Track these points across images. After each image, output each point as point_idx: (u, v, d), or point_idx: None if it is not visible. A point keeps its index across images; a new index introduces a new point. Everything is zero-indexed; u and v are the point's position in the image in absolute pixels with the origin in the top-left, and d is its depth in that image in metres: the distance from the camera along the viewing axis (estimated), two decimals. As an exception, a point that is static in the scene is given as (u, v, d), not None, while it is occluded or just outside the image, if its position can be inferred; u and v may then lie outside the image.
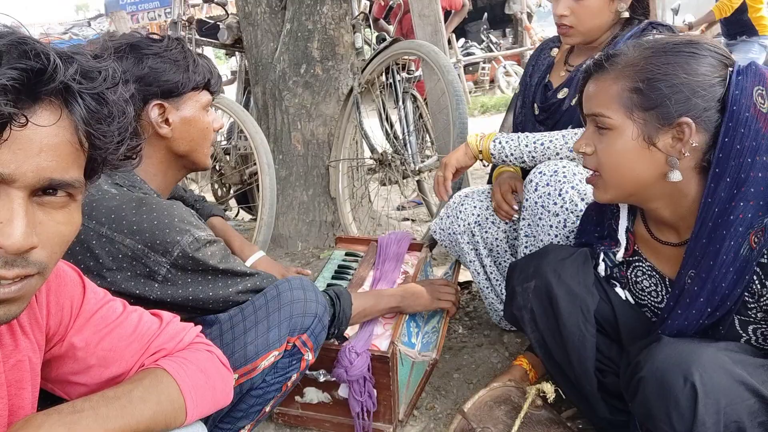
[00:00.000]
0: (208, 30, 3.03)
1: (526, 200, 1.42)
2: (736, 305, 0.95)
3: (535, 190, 1.38)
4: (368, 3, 2.46)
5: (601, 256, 1.17)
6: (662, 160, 0.96)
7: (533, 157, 1.44)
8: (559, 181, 1.35)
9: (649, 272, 1.13)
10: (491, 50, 10.02)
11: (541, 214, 1.38)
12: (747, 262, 0.91)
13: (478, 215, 1.69)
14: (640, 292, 1.16)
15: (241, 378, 1.03)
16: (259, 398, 1.07)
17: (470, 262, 1.74)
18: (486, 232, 1.69)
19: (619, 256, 1.14)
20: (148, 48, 1.10)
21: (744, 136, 0.91)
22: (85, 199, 1.06)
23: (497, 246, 1.70)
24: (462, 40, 10.92)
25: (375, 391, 1.38)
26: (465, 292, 2.10)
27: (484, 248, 1.71)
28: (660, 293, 1.12)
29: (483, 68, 10.06)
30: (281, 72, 2.59)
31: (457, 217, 1.71)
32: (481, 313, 1.97)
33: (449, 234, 1.75)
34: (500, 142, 1.47)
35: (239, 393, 1.04)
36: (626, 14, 1.41)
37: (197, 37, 2.62)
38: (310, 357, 1.11)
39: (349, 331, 1.43)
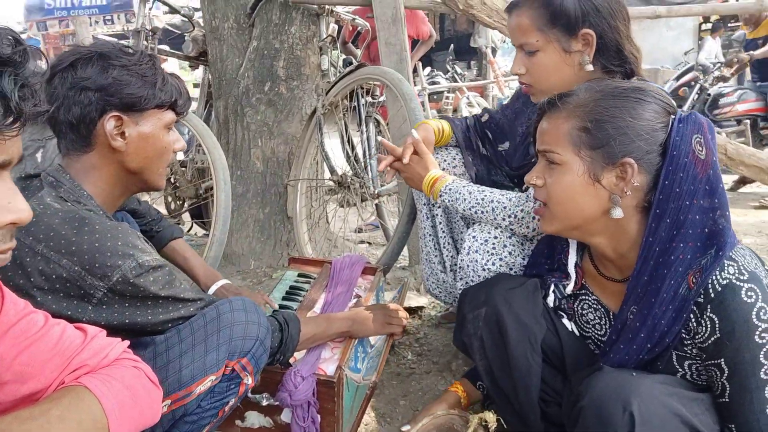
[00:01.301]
0: (172, 41, 2.99)
1: (461, 259, 1.40)
2: (674, 341, 0.98)
3: (468, 253, 1.39)
4: (336, 27, 2.48)
5: (552, 287, 1.19)
6: (606, 197, 1.00)
7: (475, 215, 1.42)
8: (488, 251, 1.36)
9: (595, 305, 1.16)
10: (456, 81, 10.26)
11: (471, 277, 1.38)
12: (685, 301, 0.95)
13: (443, 169, 1.65)
14: (585, 325, 1.19)
15: (174, 404, 0.98)
16: (194, 424, 1.03)
17: (421, 216, 1.72)
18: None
19: (569, 288, 1.17)
20: (117, 59, 1.07)
21: (683, 180, 0.95)
22: None
23: None
24: (428, 69, 11.16)
25: (319, 416, 1.35)
26: (415, 318, 2.10)
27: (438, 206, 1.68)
28: (604, 326, 1.15)
29: (447, 97, 10.28)
30: (245, 88, 2.57)
31: None
32: (431, 340, 1.97)
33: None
34: (447, 200, 1.45)
35: (172, 419, 1.00)
36: (590, 67, 1.27)
37: (160, 47, 2.57)
38: (249, 381, 1.08)
39: (297, 355, 1.40)
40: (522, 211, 1.35)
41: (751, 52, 4.41)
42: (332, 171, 2.27)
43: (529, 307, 1.15)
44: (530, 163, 1.49)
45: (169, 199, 2.74)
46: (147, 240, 1.11)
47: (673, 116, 0.99)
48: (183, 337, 1.03)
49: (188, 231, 3.35)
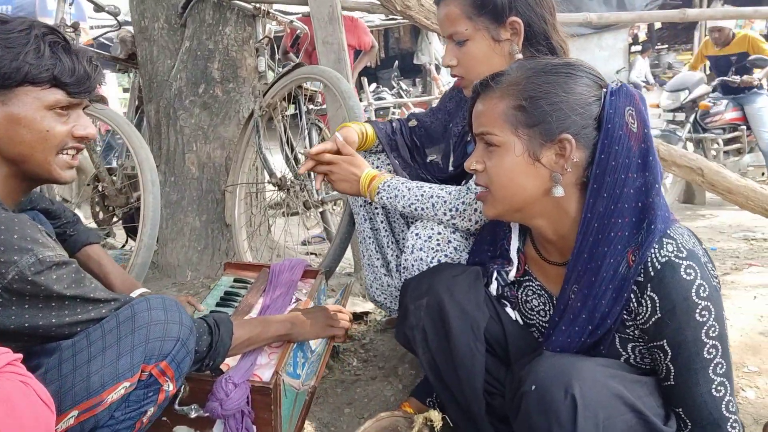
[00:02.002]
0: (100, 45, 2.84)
1: (405, 259, 1.34)
2: (616, 323, 0.96)
3: (411, 252, 1.33)
4: (273, 28, 2.41)
5: (494, 274, 1.15)
6: (546, 175, 0.97)
7: (415, 212, 1.36)
8: (433, 248, 1.31)
9: (538, 291, 1.13)
10: (401, 96, 10.37)
11: (416, 274, 1.32)
12: (625, 280, 0.92)
13: (378, 168, 1.58)
14: (529, 311, 1.16)
15: (82, 415, 0.87)
16: (107, 437, 0.91)
17: (359, 218, 1.64)
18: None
19: (512, 275, 1.14)
20: None
21: (618, 153, 0.94)
22: None
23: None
24: (374, 85, 11.25)
25: (254, 427, 1.25)
26: (360, 323, 2.03)
27: (379, 205, 1.60)
28: (548, 312, 1.12)
29: (393, 113, 10.37)
30: (177, 90, 2.45)
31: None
32: (376, 345, 1.90)
33: None
34: (386, 197, 1.38)
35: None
36: (519, 56, 1.27)
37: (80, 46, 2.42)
38: (170, 387, 0.97)
39: (230, 362, 1.30)
40: (463, 203, 1.31)
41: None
42: (271, 173, 2.19)
43: (471, 295, 1.10)
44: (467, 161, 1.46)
45: (97, 209, 2.57)
46: (50, 234, 0.99)
47: (604, 89, 0.98)
48: (92, 340, 0.92)
49: (123, 246, 3.15)
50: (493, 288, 1.15)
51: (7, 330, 0.88)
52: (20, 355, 0.75)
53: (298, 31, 2.64)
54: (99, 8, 2.43)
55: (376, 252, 1.67)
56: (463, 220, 1.31)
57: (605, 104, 0.95)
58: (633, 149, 0.94)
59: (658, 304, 0.90)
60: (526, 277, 1.14)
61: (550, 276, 1.10)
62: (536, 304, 1.13)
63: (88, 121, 1.08)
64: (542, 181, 0.97)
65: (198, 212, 2.49)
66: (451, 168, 1.51)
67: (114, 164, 2.84)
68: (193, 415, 1.22)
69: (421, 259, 1.30)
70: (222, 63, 2.45)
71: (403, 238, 1.66)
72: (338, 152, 1.43)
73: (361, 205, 1.65)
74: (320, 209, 3.14)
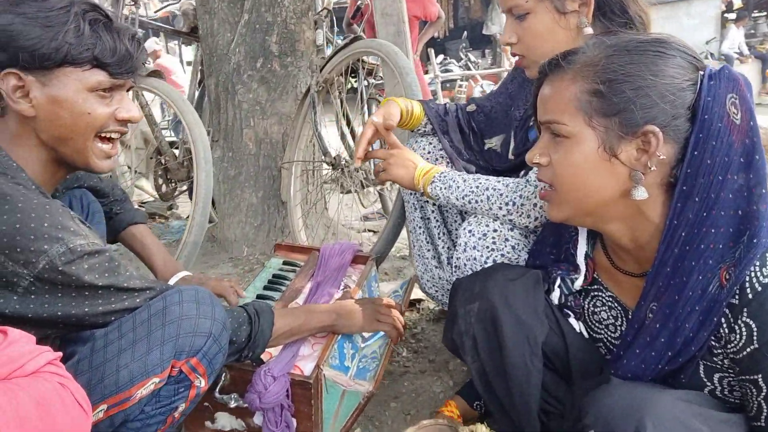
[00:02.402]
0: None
1: (457, 257, 1.23)
2: (701, 351, 0.82)
3: (464, 250, 1.22)
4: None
5: (558, 281, 1.03)
6: (625, 174, 0.83)
7: (469, 205, 1.25)
8: (488, 247, 1.19)
9: (609, 303, 1.00)
10: (469, 69, 10.05)
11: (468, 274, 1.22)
12: (715, 303, 0.78)
13: (429, 153, 1.49)
14: (597, 325, 1.03)
15: (112, 409, 0.84)
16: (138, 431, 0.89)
17: (409, 206, 1.54)
18: None
19: (578, 283, 1.01)
20: (20, 5, 0.91)
21: (715, 149, 0.78)
22: None
23: None
24: (441, 57, 10.95)
25: (294, 420, 1.21)
26: (413, 311, 1.95)
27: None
28: (619, 328, 0.99)
29: (460, 85, 10.08)
30: (236, 65, 2.42)
31: (412, 146, 1.51)
32: (429, 335, 1.81)
33: None
34: (440, 188, 1.28)
35: (110, 426, 0.86)
36: (589, 30, 1.11)
37: (143, 18, 2.43)
38: (202, 384, 0.93)
39: (273, 351, 1.26)
40: (521, 197, 1.18)
41: None
42: (325, 152, 2.12)
43: (529, 303, 0.99)
44: (528, 149, 1.32)
45: (160, 181, 2.61)
46: (84, 221, 0.96)
47: (701, 72, 0.82)
48: (123, 332, 0.89)
49: (188, 217, 3.23)
50: (555, 296, 1.03)
51: (40, 318, 0.86)
52: (60, 354, 0.73)
53: (359, 2, 2.53)
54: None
55: (427, 243, 1.57)
56: (520, 216, 1.18)
57: (702, 90, 0.79)
58: (735, 145, 0.78)
59: (755, 333, 0.76)
60: (595, 286, 1.01)
61: (624, 287, 0.97)
62: (605, 318, 1.00)
63: (132, 103, 1.04)
64: (620, 180, 0.83)
65: (255, 188, 2.48)
66: (510, 156, 1.37)
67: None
68: (232, 404, 1.20)
69: (475, 259, 1.19)
70: (280, 36, 2.39)
71: (456, 229, 1.55)
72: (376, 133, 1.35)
73: (411, 193, 1.55)
74: (378, 187, 3.07)
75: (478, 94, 9.25)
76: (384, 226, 1.90)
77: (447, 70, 10.35)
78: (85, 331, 0.95)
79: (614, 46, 0.84)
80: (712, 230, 0.79)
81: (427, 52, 8.89)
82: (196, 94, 2.79)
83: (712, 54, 10.00)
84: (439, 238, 1.55)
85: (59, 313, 0.88)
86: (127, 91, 1.06)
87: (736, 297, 0.77)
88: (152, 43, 6.12)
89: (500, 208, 1.19)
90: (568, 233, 1.06)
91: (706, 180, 0.78)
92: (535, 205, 1.16)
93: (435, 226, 1.55)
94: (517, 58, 1.24)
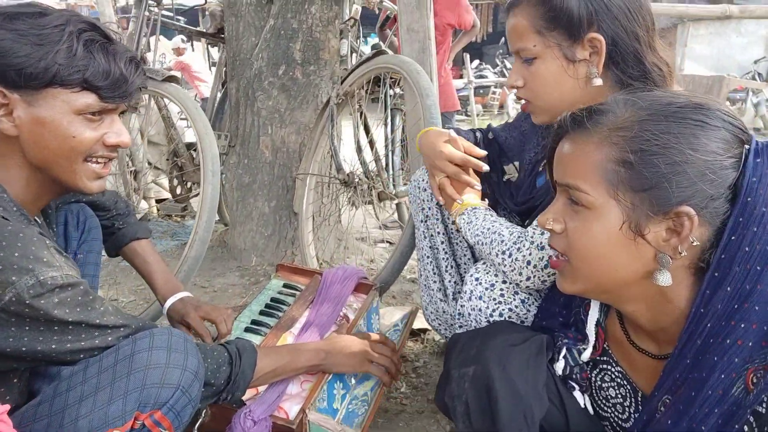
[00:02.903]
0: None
1: (461, 305, 1.16)
2: None
3: (469, 299, 1.13)
4: (359, 8, 2.24)
5: (563, 351, 0.93)
6: (650, 255, 0.73)
7: (476, 246, 1.18)
8: (495, 299, 1.10)
9: (619, 380, 0.90)
10: (505, 75, 9.86)
11: (474, 326, 1.13)
12: (739, 407, 0.68)
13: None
14: (604, 402, 0.93)
15: None
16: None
17: (419, 234, 1.46)
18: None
19: (586, 355, 0.91)
20: (15, 20, 0.86)
21: (756, 236, 0.68)
22: None
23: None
24: (476, 62, 10.79)
25: (275, 466, 1.14)
26: (417, 342, 1.86)
27: (440, 223, 1.42)
28: (627, 409, 0.89)
29: (494, 92, 9.92)
30: (257, 70, 2.36)
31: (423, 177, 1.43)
32: (431, 370, 1.73)
33: (414, 187, 1.46)
34: (465, 221, 1.22)
35: None
36: (598, 81, 1.03)
37: (167, 20, 2.39)
38: (166, 439, 0.87)
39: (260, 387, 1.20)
40: (519, 251, 1.08)
41: None
42: (339, 168, 2.05)
43: (529, 375, 0.89)
44: (535, 197, 1.22)
45: (175, 183, 2.58)
46: (61, 251, 0.91)
47: (746, 146, 0.71)
48: (88, 376, 0.83)
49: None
50: (560, 367, 0.93)
51: (4, 352, 0.81)
52: (7, 407, 0.67)
53: (389, 11, 2.45)
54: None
55: (434, 274, 1.48)
56: (513, 271, 1.09)
57: (747, 169, 0.69)
58: None
59: None
60: (605, 358, 0.91)
61: (638, 366, 0.87)
62: (613, 395, 0.90)
63: (122, 127, 0.98)
64: (643, 261, 0.74)
65: (268, 197, 2.43)
66: (514, 204, 1.28)
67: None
68: (211, 446, 1.14)
69: (480, 310, 1.10)
70: (304, 44, 2.32)
71: (465, 263, 1.46)
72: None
73: (421, 221, 1.46)
74: (395, 201, 2.99)
75: (511, 101, 9.06)
76: (391, 254, 1.82)
77: (481, 76, 10.19)
78: (53, 366, 0.90)
79: (649, 110, 0.74)
80: (742, 325, 0.69)
81: (463, 56, 8.76)
82: (218, 96, 2.75)
83: (760, 74, 9.60)
84: (447, 271, 1.46)
85: (24, 348, 0.83)
86: (121, 114, 1.01)
87: (764, 405, 0.67)
88: (178, 41, 6.17)
89: (497, 256, 1.11)
90: (580, 296, 0.96)
91: (742, 269, 0.68)
92: (528, 263, 1.06)
93: (443, 258, 1.46)
94: (523, 101, 1.16)
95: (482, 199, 1.29)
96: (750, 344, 0.68)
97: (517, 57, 1.11)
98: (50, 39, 0.87)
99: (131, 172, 2.54)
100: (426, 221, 1.45)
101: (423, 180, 1.43)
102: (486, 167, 1.25)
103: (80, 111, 0.91)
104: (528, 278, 1.07)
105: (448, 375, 0.99)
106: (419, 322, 1.91)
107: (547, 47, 1.05)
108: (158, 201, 3.29)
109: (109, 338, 0.89)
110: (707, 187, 0.69)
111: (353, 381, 1.34)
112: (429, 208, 1.43)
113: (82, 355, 0.87)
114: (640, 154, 0.72)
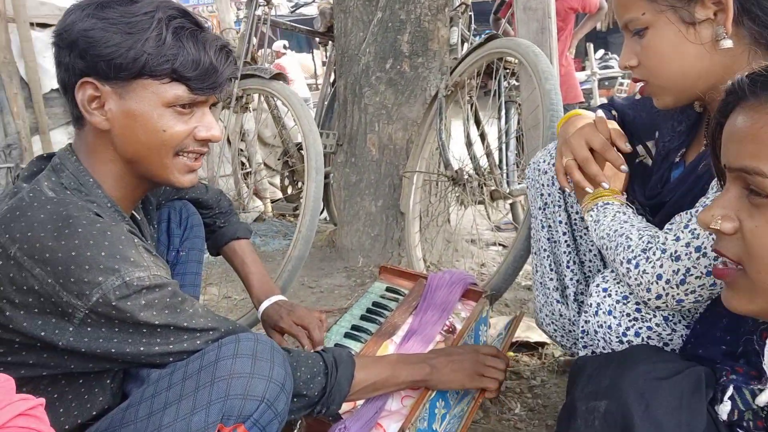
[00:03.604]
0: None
1: (585, 320, 0.97)
2: None
3: (595, 314, 0.95)
4: (470, -7, 2.09)
5: (730, 390, 0.72)
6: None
7: (602, 249, 1.00)
8: (629, 315, 0.90)
9: (809, 432, 0.67)
10: (633, 65, 9.07)
11: (601, 349, 0.94)
12: None
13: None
14: (787, 459, 0.70)
15: None
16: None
17: (536, 223, 1.29)
18: (570, 195, 1.21)
19: (764, 398, 0.69)
20: (107, 8, 0.83)
21: None
22: (12, 203, 0.83)
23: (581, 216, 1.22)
24: (601, 51, 10.03)
25: (370, 487, 1.04)
26: (534, 357, 1.67)
27: (562, 210, 1.23)
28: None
29: (621, 83, 9.14)
30: (365, 66, 2.31)
31: (550, 153, 1.25)
32: (548, 390, 1.53)
33: (533, 169, 1.28)
34: (593, 218, 1.04)
35: None
36: (728, 43, 0.85)
37: (276, 18, 2.41)
38: (251, 454, 0.80)
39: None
40: (648, 260, 0.87)
41: None
42: (447, 165, 1.91)
43: (682, 417, 0.70)
44: (664, 193, 0.99)
45: (286, 182, 2.62)
46: (150, 250, 0.88)
47: None
48: (173, 382, 0.79)
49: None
50: (725, 410, 0.72)
51: (95, 353, 0.79)
52: (42, 401, 0.63)
53: (504, -5, 2.27)
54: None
55: (551, 270, 1.28)
56: (639, 285, 0.88)
57: None
58: None
59: None
60: (791, 403, 0.69)
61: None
62: (804, 454, 0.68)
63: (213, 121, 0.93)
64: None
65: (375, 197, 2.36)
66: (644, 197, 1.05)
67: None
68: (304, 457, 1.07)
69: (610, 327, 0.91)
70: (412, 35, 2.22)
71: (590, 260, 1.25)
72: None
73: (539, 208, 1.27)
74: (510, 201, 2.78)
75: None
76: (505, 257, 1.65)
77: (606, 66, 9.45)
78: (144, 368, 0.87)
79: None
80: None
81: (586, 46, 8.16)
82: (328, 95, 2.75)
83: None
84: (568, 267, 1.26)
85: (113, 350, 0.80)
86: (212, 107, 0.96)
87: None
88: (280, 45, 6.43)
89: (621, 264, 0.91)
90: (753, 319, 0.74)
91: None
92: (659, 277, 0.84)
93: (564, 252, 1.26)
94: (640, 84, 0.95)
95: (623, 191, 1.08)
96: None
97: (627, 32, 0.94)
98: (140, 27, 0.83)
99: (245, 174, 2.60)
100: (545, 209, 1.26)
101: (544, 161, 1.24)
102: (629, 149, 1.03)
103: (170, 103, 0.87)
104: (658, 296, 0.86)
105: (573, 408, 0.81)
106: (536, 334, 1.72)
107: (659, 12, 0.88)
108: (273, 201, 3.38)
109: (198, 341, 0.84)
110: None
111: (454, 401, 1.20)
112: (549, 194, 1.24)
113: (171, 359, 0.83)
114: None
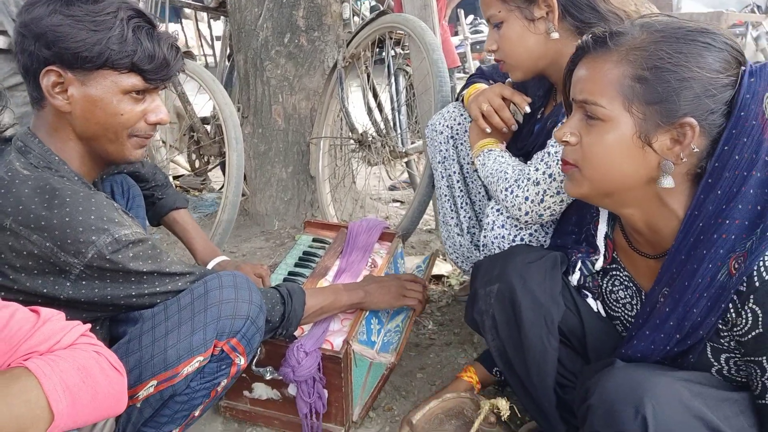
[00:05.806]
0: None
1: (484, 236, 1.31)
2: (708, 333, 0.85)
3: (491, 229, 1.29)
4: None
5: (578, 264, 1.06)
6: (655, 162, 0.84)
7: (487, 185, 1.33)
8: (515, 225, 1.27)
9: (626, 282, 1.03)
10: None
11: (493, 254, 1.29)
12: (723, 290, 0.80)
13: (459, 125, 1.55)
14: (614, 303, 1.06)
15: (161, 384, 0.93)
16: (185, 404, 0.98)
17: (437, 174, 1.62)
18: (462, 144, 1.55)
19: (598, 264, 1.04)
20: (70, 7, 0.96)
21: (745, 146, 0.79)
22: None
23: (470, 166, 1.56)
24: (471, 17, 10.63)
25: (326, 391, 1.29)
26: (439, 285, 2.01)
27: (456, 163, 1.57)
28: (635, 306, 1.02)
29: (490, 47, 9.80)
30: (264, 40, 2.44)
31: (443, 117, 1.57)
32: (453, 309, 1.87)
33: (431, 130, 1.61)
34: (480, 163, 1.36)
35: (160, 399, 0.95)
36: (555, 35, 1.18)
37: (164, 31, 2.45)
38: (242, 362, 1.01)
39: (305, 326, 1.34)
40: (519, 187, 1.22)
41: None
42: (352, 129, 2.15)
43: (546, 285, 1.03)
44: (528, 143, 1.35)
45: (193, 157, 2.70)
46: (126, 211, 1.04)
47: (743, 68, 0.82)
48: (169, 314, 0.97)
49: (219, 189, 3.33)
50: (575, 278, 1.07)
51: (91, 301, 0.95)
52: (89, 325, 0.80)
53: (385, -28, 2.50)
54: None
55: (451, 210, 1.62)
56: (513, 206, 1.24)
57: (742, 87, 0.79)
58: (764, 144, 0.79)
59: (760, 319, 0.78)
60: (614, 266, 1.04)
61: (640, 268, 0.99)
62: (622, 296, 1.04)
63: (161, 106, 1.09)
64: (648, 168, 0.84)
65: (284, 163, 2.54)
66: (516, 149, 1.41)
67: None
68: (268, 377, 1.29)
69: (503, 237, 1.24)
70: (307, 10, 2.39)
71: (480, 200, 1.59)
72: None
73: (439, 162, 1.59)
74: (405, 159, 3.08)
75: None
76: (410, 204, 1.94)
77: (477, 32, 10.06)
78: (133, 311, 1.03)
79: (663, 32, 0.83)
80: (727, 221, 0.81)
81: (457, 12, 8.66)
82: (225, 69, 2.83)
83: (759, 6, 9.44)
84: (462, 208, 1.60)
85: (108, 297, 0.96)
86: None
87: (744, 285, 0.79)
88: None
89: (500, 193, 1.25)
90: (590, 214, 1.08)
91: (731, 174, 0.80)
92: (526, 198, 1.19)
93: (459, 196, 1.59)
94: (500, 63, 1.31)
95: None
96: (733, 237, 0.80)
97: (489, 25, 1.26)
98: (105, 26, 0.96)
99: (145, 153, 2.62)
100: (444, 162, 1.57)
101: (439, 123, 1.56)
102: (528, 109, 1.35)
103: (127, 90, 1.00)
104: (526, 213, 1.20)
105: (475, 294, 1.12)
106: (439, 267, 2.06)
107: (510, 11, 1.21)
108: (175, 177, 3.40)
109: (179, 283, 1.02)
110: (709, 101, 0.80)
111: (386, 318, 1.48)
112: (446, 150, 1.55)
113: (158, 299, 1.01)
114: (655, 70, 0.81)
